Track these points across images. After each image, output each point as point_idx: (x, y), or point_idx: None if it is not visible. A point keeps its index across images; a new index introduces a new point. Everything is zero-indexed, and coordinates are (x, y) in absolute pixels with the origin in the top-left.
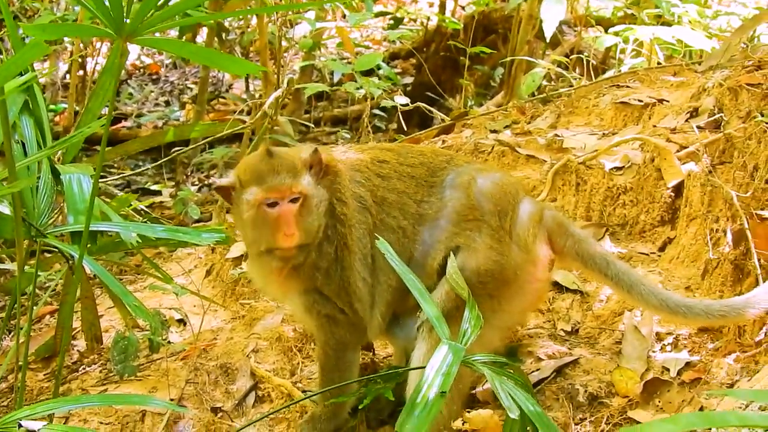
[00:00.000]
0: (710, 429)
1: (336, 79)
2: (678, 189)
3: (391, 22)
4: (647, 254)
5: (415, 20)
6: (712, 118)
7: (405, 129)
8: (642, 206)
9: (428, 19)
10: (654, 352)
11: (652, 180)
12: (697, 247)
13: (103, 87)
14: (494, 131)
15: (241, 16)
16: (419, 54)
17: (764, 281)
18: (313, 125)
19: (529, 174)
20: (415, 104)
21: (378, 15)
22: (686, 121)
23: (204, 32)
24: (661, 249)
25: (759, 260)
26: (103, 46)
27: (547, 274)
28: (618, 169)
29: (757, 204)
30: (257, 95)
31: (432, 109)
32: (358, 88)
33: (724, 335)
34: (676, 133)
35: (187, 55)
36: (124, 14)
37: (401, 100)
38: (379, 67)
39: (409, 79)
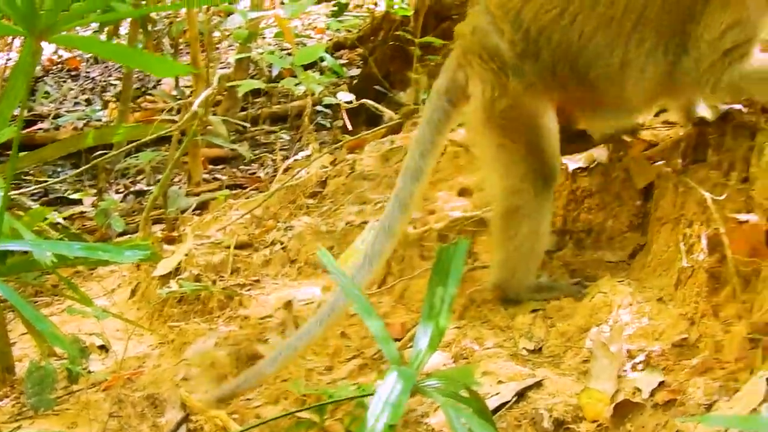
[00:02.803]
0: None
1: (275, 73)
2: (648, 191)
3: (335, 9)
4: (616, 263)
5: (361, 6)
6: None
7: (349, 128)
8: (609, 210)
9: (375, 4)
10: (625, 371)
11: (619, 182)
12: (669, 254)
13: (15, 87)
14: None
15: None
16: (367, 43)
17: (742, 290)
18: (249, 125)
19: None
20: (359, 101)
21: (320, 1)
22: (655, 115)
23: (128, 22)
24: (632, 256)
25: (736, 268)
26: (15, 39)
27: None
28: (583, 169)
29: (734, 206)
30: (188, 92)
31: (378, 106)
32: (297, 84)
33: (700, 351)
34: (644, 129)
35: (107, 55)
36: (37, 8)
37: (345, 96)
38: (322, 59)
39: (356, 71)
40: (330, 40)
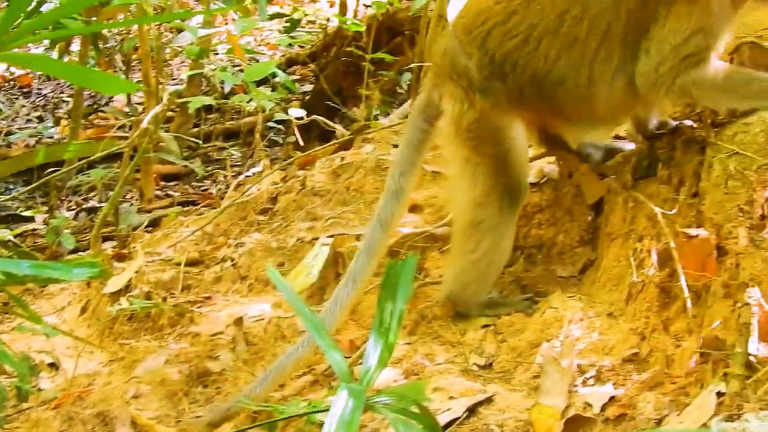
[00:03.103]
0: None
1: (228, 89)
2: (598, 206)
3: (288, 25)
4: (566, 278)
5: (314, 22)
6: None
7: (301, 144)
8: (560, 226)
9: (328, 20)
10: (575, 386)
11: (570, 197)
12: (619, 269)
13: None
14: (397, 146)
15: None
16: (319, 59)
17: (693, 304)
18: (201, 141)
19: (436, 192)
20: (311, 117)
21: (273, 17)
22: None
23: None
24: (582, 271)
25: (686, 282)
26: None
27: None
28: (533, 185)
29: (684, 221)
30: (140, 108)
31: (329, 122)
32: (248, 101)
33: (651, 365)
34: None
35: (57, 73)
36: None
37: (297, 112)
38: (274, 75)
39: (308, 87)
40: (283, 55)
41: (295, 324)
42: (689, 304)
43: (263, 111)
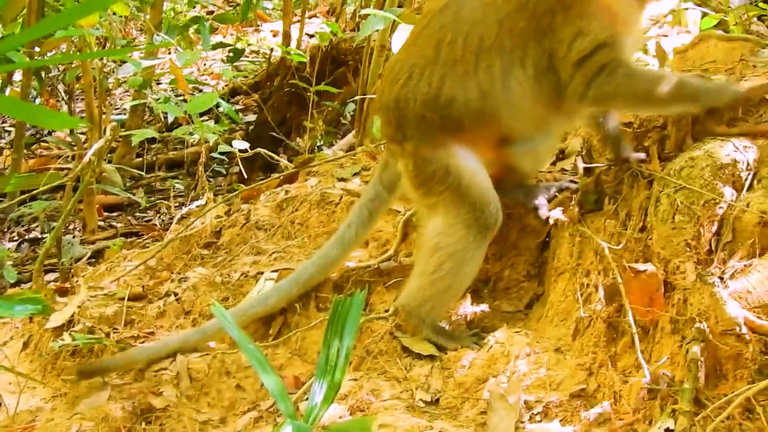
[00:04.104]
0: None
1: (171, 119)
2: (545, 240)
3: (231, 55)
4: (513, 312)
5: (257, 52)
6: (580, 161)
7: (245, 176)
8: (506, 260)
9: (271, 50)
10: (522, 422)
11: (516, 231)
12: (567, 304)
13: None
14: (342, 179)
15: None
16: (263, 89)
17: (640, 340)
18: (144, 171)
19: (381, 227)
20: (255, 150)
21: (216, 47)
22: (552, 164)
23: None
24: (529, 306)
25: (634, 318)
26: None
27: None
28: None
29: (631, 256)
30: (83, 138)
31: (273, 155)
32: (191, 133)
33: (599, 401)
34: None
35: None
36: None
37: (240, 144)
38: (218, 105)
39: (252, 116)
40: (226, 85)
41: (240, 359)
42: (636, 339)
43: (206, 143)
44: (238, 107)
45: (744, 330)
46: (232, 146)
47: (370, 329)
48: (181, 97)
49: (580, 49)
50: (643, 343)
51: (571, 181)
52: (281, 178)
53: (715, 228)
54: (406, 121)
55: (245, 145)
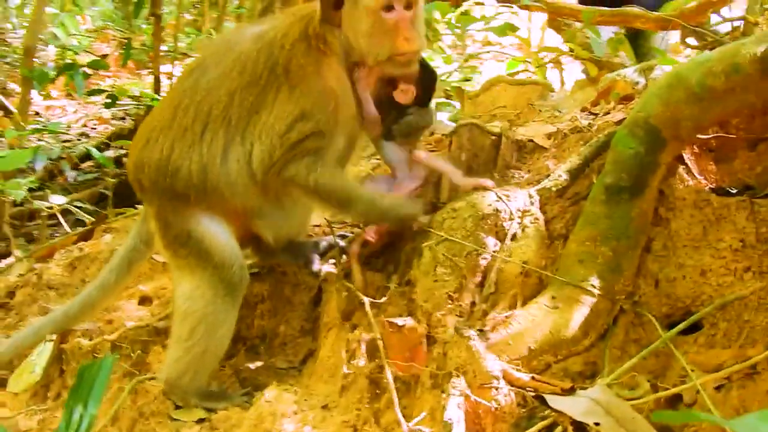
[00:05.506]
0: None
1: None
2: (318, 295)
3: (108, 101)
4: (286, 369)
5: (139, 97)
6: None
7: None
8: (281, 316)
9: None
10: None
11: (290, 286)
12: (335, 359)
13: None
14: None
15: None
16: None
17: (403, 395)
18: None
19: (165, 284)
20: (62, 205)
21: (91, 94)
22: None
23: None
24: (303, 362)
25: (394, 374)
26: None
27: None
28: (255, 274)
29: (396, 309)
30: None
31: (81, 211)
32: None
33: None
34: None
35: None
36: None
37: (58, 199)
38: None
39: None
40: (113, 129)
41: (17, 423)
42: (395, 396)
43: (16, 202)
44: (123, 152)
45: (502, 384)
46: (48, 200)
47: (144, 390)
48: None
49: (280, 128)
50: (406, 398)
51: (341, 236)
52: (78, 235)
53: (479, 279)
54: (145, 185)
55: (63, 200)
